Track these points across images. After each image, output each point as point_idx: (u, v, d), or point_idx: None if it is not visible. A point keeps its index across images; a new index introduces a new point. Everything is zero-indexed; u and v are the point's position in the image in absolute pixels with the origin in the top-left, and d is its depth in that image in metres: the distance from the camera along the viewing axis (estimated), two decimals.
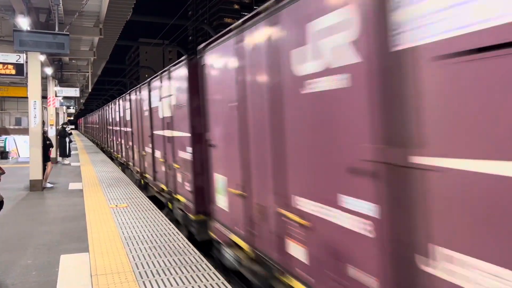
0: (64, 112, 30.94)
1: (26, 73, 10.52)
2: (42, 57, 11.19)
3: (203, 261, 4.90)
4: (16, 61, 10.38)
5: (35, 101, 10.29)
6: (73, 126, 39.21)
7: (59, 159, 17.14)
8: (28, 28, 8.18)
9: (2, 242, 5.56)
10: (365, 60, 2.39)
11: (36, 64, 10.23)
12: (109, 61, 21.53)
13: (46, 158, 10.68)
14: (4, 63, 10.22)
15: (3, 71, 10.20)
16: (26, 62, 10.36)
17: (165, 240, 5.76)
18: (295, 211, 3.22)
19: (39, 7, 10.84)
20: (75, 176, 12.74)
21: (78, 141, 35.38)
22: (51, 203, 8.81)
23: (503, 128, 1.65)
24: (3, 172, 4.37)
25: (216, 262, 5.50)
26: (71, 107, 33.44)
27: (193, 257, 5.06)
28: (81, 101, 37.86)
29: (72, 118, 53.17)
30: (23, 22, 8.03)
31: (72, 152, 18.63)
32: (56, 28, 8.64)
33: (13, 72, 10.31)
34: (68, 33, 8.31)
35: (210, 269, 4.63)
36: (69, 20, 10.82)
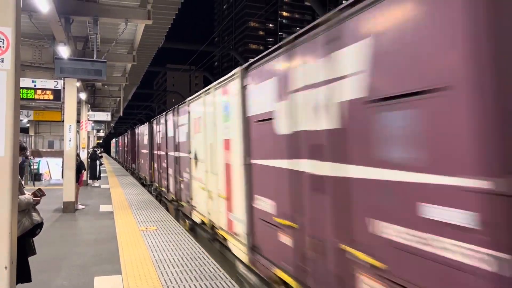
0: (94, 136, 31.86)
1: (63, 98, 10.96)
2: (78, 83, 11.66)
3: (234, 287, 4.88)
4: (54, 87, 10.84)
5: (70, 125, 10.66)
6: (102, 149, 39.03)
7: (89, 181, 17.55)
8: (68, 56, 8.58)
9: (38, 262, 5.68)
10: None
11: (72, 90, 10.67)
12: (139, 86, 22.19)
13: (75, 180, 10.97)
14: (43, 89, 10.69)
15: (41, 97, 10.67)
16: (63, 88, 10.81)
17: (195, 264, 5.77)
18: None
19: (77, 36, 11.36)
20: (105, 198, 12.99)
21: (106, 164, 36.16)
22: (83, 225, 9.00)
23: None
24: (44, 194, 4.51)
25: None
26: (101, 131, 34.42)
27: (225, 282, 5.04)
28: (111, 124, 38.92)
29: (101, 141, 54.58)
30: (64, 51, 8.42)
31: (101, 175, 19.05)
32: (95, 56, 9.03)
33: (51, 97, 10.76)
34: (105, 60, 8.67)
35: None
36: (105, 47, 11.28)
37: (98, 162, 17.65)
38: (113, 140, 67.11)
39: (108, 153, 77.72)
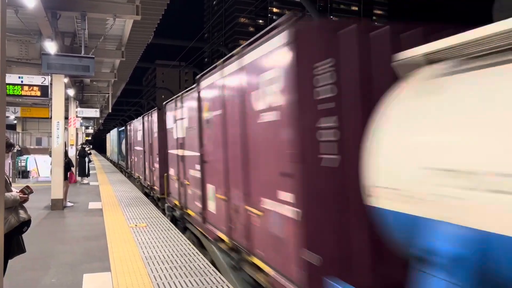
0: (82, 133, 31.54)
1: (50, 95, 10.83)
2: (66, 79, 11.53)
3: (224, 282, 4.90)
4: (41, 83, 10.70)
5: (58, 122, 10.55)
6: (91, 146, 36.62)
7: (78, 178, 17.39)
8: (55, 52, 8.48)
9: (26, 260, 5.63)
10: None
11: (60, 86, 10.54)
12: (128, 82, 22.01)
13: (64, 177, 10.85)
14: (30, 85, 10.56)
15: (28, 93, 10.53)
16: (51, 84, 10.68)
17: (185, 260, 5.77)
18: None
19: (64, 31, 11.22)
20: (94, 196, 12.90)
21: (96, 161, 35.88)
22: (72, 222, 8.93)
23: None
24: (32, 192, 4.47)
25: None
26: (90, 127, 34.10)
27: (214, 277, 5.05)
28: (100, 121, 38.58)
29: (90, 138, 53.94)
30: (51, 46, 8.32)
31: (90, 172, 18.89)
32: (82, 52, 8.93)
33: (38, 93, 10.63)
34: (93, 56, 8.58)
35: None
36: (93, 43, 11.16)
37: (87, 159, 17.50)
38: (113, 132, 36.57)
39: (100, 151, 68.64)
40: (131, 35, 11.28)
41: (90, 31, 10.85)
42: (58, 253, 6.35)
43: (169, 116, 9.72)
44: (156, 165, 11.84)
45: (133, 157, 18.72)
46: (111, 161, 37.43)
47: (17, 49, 11.29)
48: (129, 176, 20.37)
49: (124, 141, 24.07)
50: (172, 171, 9.47)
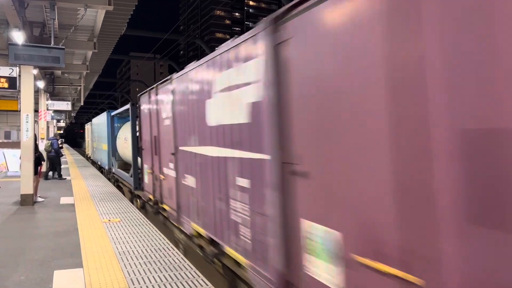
0: (54, 126, 30.73)
1: (19, 87, 10.47)
2: (35, 71, 11.16)
3: (199, 277, 4.87)
4: (9, 74, 10.33)
5: (27, 115, 10.21)
6: (62, 140, 34.90)
7: (49, 173, 16.94)
8: (23, 42, 8.18)
9: None
10: None
11: (29, 78, 10.19)
12: (101, 74, 21.54)
13: (34, 171, 10.55)
14: None
15: None
16: (19, 75, 10.32)
17: (159, 255, 5.71)
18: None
19: (33, 21, 10.85)
20: (66, 190, 12.60)
21: (68, 155, 35.06)
22: (43, 217, 8.70)
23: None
24: None
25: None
26: (62, 121, 33.24)
27: (189, 272, 5.02)
28: (72, 114, 37.69)
29: (62, 131, 52.58)
30: (18, 36, 8.02)
31: (62, 166, 18.43)
32: (52, 42, 8.64)
33: (6, 85, 10.25)
34: (63, 47, 8.32)
35: (207, 285, 4.60)
36: (64, 34, 10.83)
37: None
38: (97, 122, 23.40)
39: (72, 145, 66.32)
40: (103, 26, 11.01)
41: (60, 21, 10.51)
42: (28, 250, 6.18)
43: None
44: None
45: (164, 170, 7.87)
46: (93, 162, 25.74)
47: None
48: (142, 207, 10.96)
49: (123, 136, 14.61)
50: None
